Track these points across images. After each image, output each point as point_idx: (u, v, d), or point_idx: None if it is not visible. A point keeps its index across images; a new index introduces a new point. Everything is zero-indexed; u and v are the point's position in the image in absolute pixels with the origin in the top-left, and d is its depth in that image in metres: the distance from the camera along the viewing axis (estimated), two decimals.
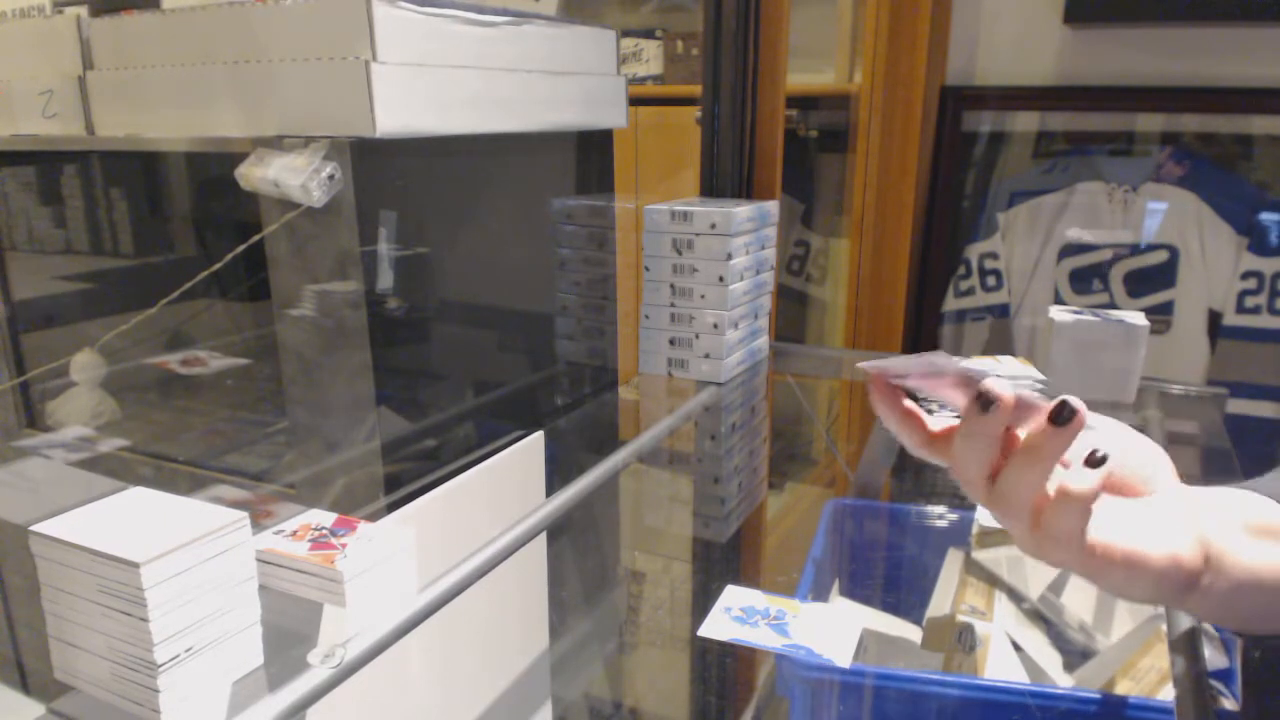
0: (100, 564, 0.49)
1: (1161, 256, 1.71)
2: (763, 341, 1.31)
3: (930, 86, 1.79)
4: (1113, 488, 0.48)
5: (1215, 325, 1.68)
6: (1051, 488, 0.45)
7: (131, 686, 0.51)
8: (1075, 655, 0.99)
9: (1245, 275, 1.64)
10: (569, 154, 1.05)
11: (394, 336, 0.80)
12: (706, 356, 1.18)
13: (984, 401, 0.45)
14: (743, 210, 1.16)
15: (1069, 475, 0.44)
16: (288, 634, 0.58)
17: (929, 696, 0.81)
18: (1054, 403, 0.43)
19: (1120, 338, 1.13)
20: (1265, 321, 1.64)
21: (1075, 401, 0.43)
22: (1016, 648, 0.97)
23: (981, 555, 1.08)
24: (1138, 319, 1.14)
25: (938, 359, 0.46)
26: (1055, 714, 0.78)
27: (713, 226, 1.14)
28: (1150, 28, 1.70)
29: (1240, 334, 1.66)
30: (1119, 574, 0.45)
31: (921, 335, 1.94)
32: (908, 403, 0.49)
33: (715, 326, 1.17)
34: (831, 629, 0.75)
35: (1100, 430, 0.48)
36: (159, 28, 0.79)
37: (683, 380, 1.20)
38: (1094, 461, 0.43)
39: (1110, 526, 0.45)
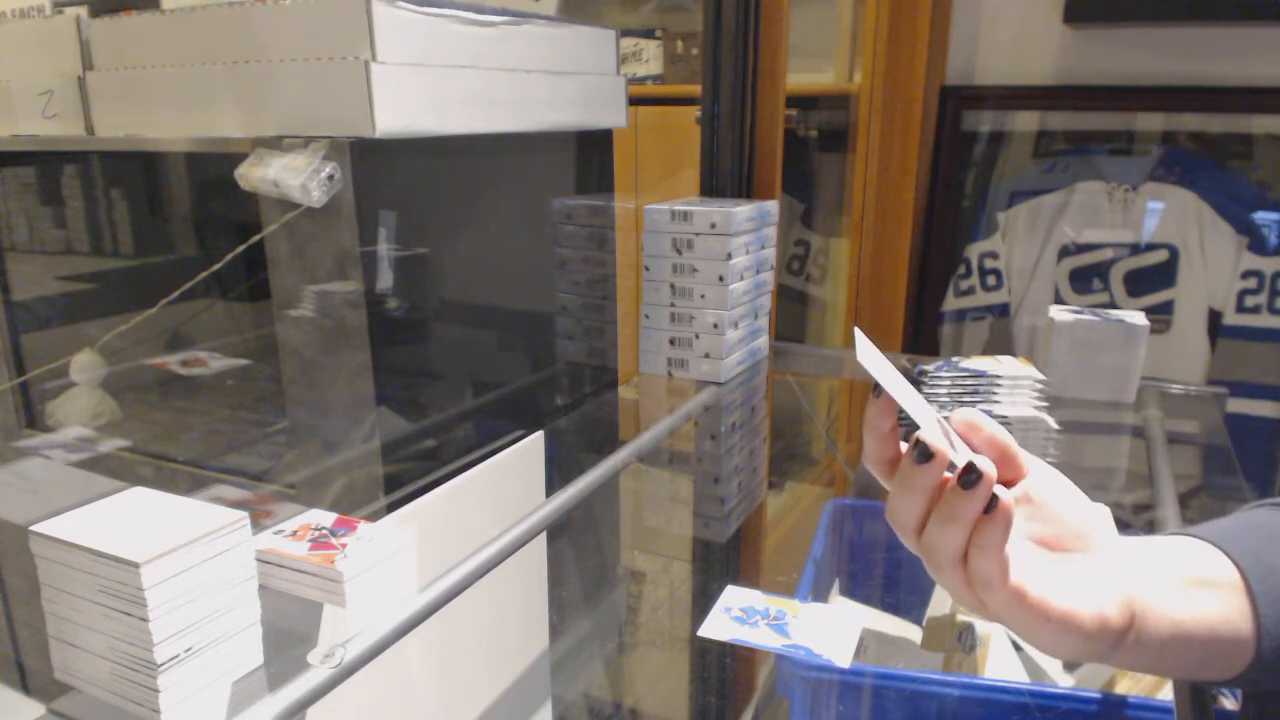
0: (100, 564, 0.49)
1: (1161, 256, 1.71)
2: (763, 341, 1.31)
3: (930, 86, 1.79)
4: (1049, 544, 0.47)
5: (1215, 325, 1.68)
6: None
7: (131, 686, 0.51)
8: None
9: (1245, 275, 1.64)
10: (569, 154, 1.05)
11: (394, 336, 0.80)
12: (706, 356, 1.18)
13: (921, 452, 0.44)
14: (743, 210, 1.16)
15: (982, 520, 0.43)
16: (288, 634, 0.58)
17: (929, 696, 0.81)
18: (962, 465, 0.43)
19: (1120, 337, 1.13)
20: (1265, 321, 1.64)
21: (982, 464, 0.43)
22: (1016, 647, 0.97)
23: None
24: (1138, 319, 1.14)
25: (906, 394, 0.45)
26: (1055, 714, 0.78)
27: (713, 226, 1.14)
28: (1150, 28, 1.70)
29: (1240, 333, 1.66)
30: (1051, 630, 0.45)
31: (921, 335, 1.94)
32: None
33: (715, 326, 1.17)
34: (831, 629, 0.75)
35: (1039, 476, 0.48)
36: (159, 28, 0.79)
37: (683, 380, 1.20)
38: (966, 482, 0.43)
39: (1047, 583, 0.45)
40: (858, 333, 0.47)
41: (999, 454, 0.47)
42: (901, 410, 0.46)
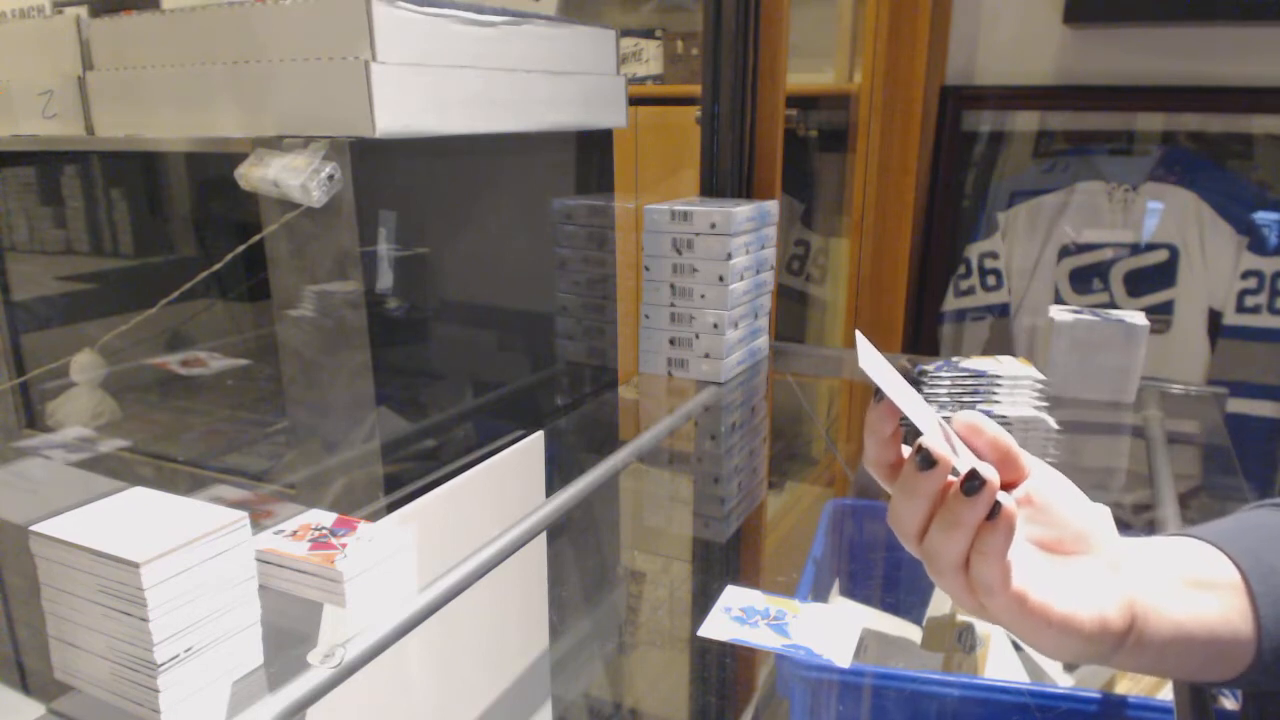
0: (100, 564, 0.49)
1: (1161, 256, 1.71)
2: (763, 341, 1.31)
3: (930, 86, 1.79)
4: (1050, 546, 0.47)
5: (1215, 325, 1.68)
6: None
7: (131, 686, 0.51)
8: None
9: (1245, 275, 1.64)
10: (569, 154, 1.05)
11: (394, 336, 0.80)
12: (706, 356, 1.18)
13: (923, 459, 0.44)
14: (743, 210, 1.16)
15: (985, 527, 0.43)
16: (288, 634, 0.58)
17: (929, 696, 0.81)
18: (965, 471, 0.43)
19: (1120, 337, 1.13)
20: (1265, 321, 1.64)
21: (986, 470, 0.42)
22: (1016, 647, 0.97)
23: None
24: (1138, 319, 1.14)
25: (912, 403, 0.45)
26: (1055, 714, 0.78)
27: (713, 226, 1.14)
28: (1150, 28, 1.71)
29: (1240, 333, 1.66)
30: (1052, 634, 0.45)
31: (921, 335, 1.94)
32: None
33: (715, 326, 1.17)
34: (831, 629, 0.75)
35: (1041, 478, 0.48)
36: (159, 28, 0.79)
37: (683, 380, 1.20)
38: (969, 489, 0.42)
39: (1048, 587, 0.45)
40: (859, 337, 0.46)
41: (1001, 456, 0.47)
42: (903, 415, 0.46)
